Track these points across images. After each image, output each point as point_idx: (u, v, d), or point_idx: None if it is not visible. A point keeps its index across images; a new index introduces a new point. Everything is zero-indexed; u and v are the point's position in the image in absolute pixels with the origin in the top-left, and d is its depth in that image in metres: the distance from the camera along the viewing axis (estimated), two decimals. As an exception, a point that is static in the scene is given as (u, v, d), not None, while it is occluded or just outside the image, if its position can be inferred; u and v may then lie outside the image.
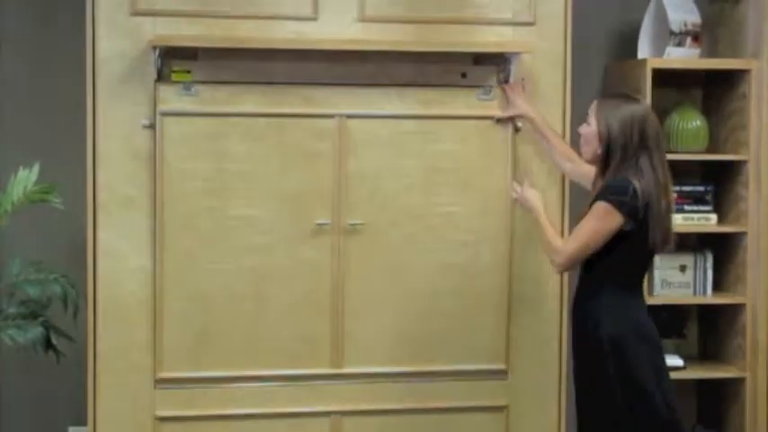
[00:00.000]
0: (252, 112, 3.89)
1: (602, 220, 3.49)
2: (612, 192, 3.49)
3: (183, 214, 3.86)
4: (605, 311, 3.55)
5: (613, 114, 3.55)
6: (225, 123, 3.88)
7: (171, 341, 3.87)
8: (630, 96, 3.71)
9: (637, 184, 3.48)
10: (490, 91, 4.01)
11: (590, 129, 3.61)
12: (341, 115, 3.94)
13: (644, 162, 3.52)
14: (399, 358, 4.02)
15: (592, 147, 3.60)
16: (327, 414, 4.02)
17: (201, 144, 3.86)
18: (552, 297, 4.13)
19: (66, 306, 3.90)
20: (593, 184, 3.64)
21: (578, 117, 4.13)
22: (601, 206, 3.49)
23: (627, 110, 3.56)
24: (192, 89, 3.81)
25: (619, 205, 3.47)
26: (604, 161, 3.56)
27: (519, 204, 3.97)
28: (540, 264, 4.03)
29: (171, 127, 3.84)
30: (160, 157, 3.84)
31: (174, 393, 3.92)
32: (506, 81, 4.04)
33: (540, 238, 3.71)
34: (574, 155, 3.93)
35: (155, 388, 3.91)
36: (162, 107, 3.83)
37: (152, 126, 3.84)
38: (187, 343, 3.89)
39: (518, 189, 3.97)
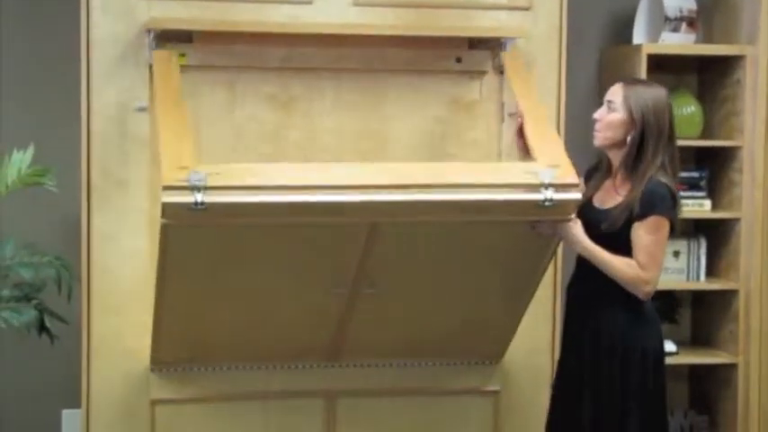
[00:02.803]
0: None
1: (661, 233, 3.45)
2: (659, 204, 3.43)
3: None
4: (626, 303, 3.52)
5: (645, 101, 3.47)
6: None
7: (166, 324, 3.86)
8: (651, 82, 3.65)
9: (668, 183, 3.45)
10: (553, 201, 3.34)
11: (616, 115, 3.48)
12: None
13: (669, 150, 3.49)
14: (395, 349, 3.99)
15: (615, 133, 3.49)
16: (321, 395, 4.02)
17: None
18: (545, 283, 4.12)
19: (60, 289, 3.89)
20: (619, 167, 3.53)
21: (573, 103, 4.14)
22: (654, 220, 3.43)
23: (657, 96, 3.50)
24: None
25: (668, 214, 3.45)
26: (638, 148, 3.46)
27: (550, 236, 3.51)
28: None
29: None
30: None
31: (169, 376, 3.92)
32: (500, 67, 4.01)
33: (607, 271, 3.46)
34: None
35: (150, 370, 3.91)
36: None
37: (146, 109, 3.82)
38: (182, 326, 3.88)
39: (555, 226, 3.46)
